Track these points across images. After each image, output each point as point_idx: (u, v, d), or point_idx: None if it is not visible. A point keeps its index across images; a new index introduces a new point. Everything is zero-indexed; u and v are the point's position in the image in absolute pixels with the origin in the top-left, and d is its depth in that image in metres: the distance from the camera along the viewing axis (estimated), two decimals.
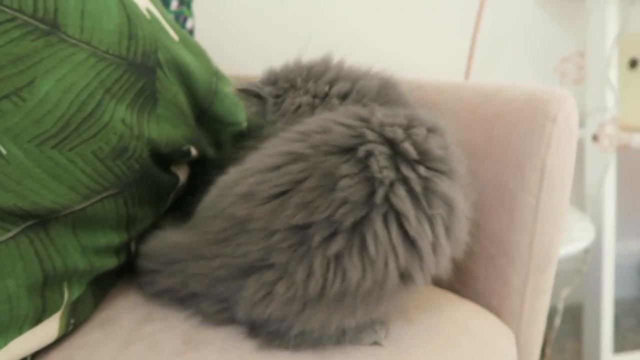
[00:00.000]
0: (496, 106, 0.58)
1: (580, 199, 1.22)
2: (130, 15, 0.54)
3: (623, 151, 1.06)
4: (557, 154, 0.54)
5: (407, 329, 0.50)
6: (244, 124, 0.73)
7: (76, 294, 0.48)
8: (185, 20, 0.85)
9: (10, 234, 0.42)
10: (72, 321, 0.47)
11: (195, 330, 0.48)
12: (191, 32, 0.87)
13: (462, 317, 0.55)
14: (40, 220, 0.44)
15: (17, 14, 0.43)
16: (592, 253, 1.06)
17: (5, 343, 0.41)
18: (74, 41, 0.47)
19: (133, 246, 0.56)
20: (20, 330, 0.42)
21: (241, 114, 0.73)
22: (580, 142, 1.00)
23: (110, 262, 0.51)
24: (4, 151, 0.41)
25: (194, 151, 0.64)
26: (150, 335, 0.47)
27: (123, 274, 0.58)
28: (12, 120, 0.42)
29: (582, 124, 1.06)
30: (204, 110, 0.66)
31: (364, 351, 0.46)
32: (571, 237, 0.90)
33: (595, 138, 1.04)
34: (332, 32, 1.17)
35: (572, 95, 0.56)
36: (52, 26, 0.46)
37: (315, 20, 1.14)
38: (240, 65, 1.08)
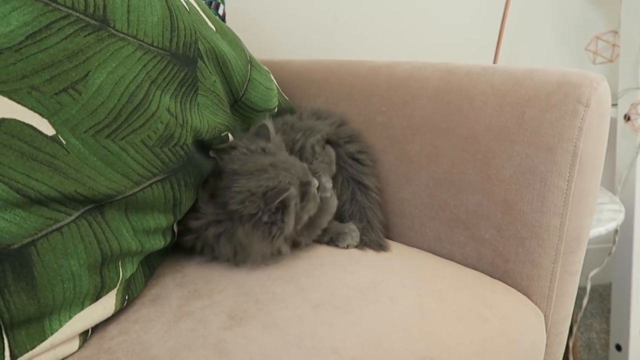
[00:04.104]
0: (527, 90, 0.59)
1: (611, 179, 1.21)
2: (171, 7, 0.56)
3: None
4: (590, 138, 0.55)
5: (439, 307, 0.52)
6: (276, 109, 0.75)
7: (129, 272, 0.51)
8: (217, 7, 0.87)
9: (72, 218, 0.45)
10: (126, 297, 0.51)
11: (239, 306, 0.51)
12: (223, 18, 0.89)
13: (492, 296, 0.56)
14: (96, 205, 0.48)
15: (70, 11, 0.46)
16: (622, 233, 1.05)
17: (70, 317, 0.45)
18: (121, 35, 0.50)
19: (176, 227, 0.60)
20: (82, 306, 0.46)
21: (274, 99, 0.74)
22: (612, 122, 0.98)
23: (158, 243, 0.55)
24: (63, 141, 0.45)
25: (231, 137, 0.66)
26: (197, 310, 0.51)
27: (168, 254, 0.61)
28: (70, 112, 0.45)
29: (613, 103, 1.04)
30: (238, 98, 0.69)
31: (397, 325, 0.48)
32: (600, 218, 0.90)
33: (627, 118, 1.03)
34: (358, 16, 1.17)
35: (604, 77, 0.56)
36: (102, 21, 0.48)
37: (339, 4, 1.14)
38: (267, 50, 1.10)
